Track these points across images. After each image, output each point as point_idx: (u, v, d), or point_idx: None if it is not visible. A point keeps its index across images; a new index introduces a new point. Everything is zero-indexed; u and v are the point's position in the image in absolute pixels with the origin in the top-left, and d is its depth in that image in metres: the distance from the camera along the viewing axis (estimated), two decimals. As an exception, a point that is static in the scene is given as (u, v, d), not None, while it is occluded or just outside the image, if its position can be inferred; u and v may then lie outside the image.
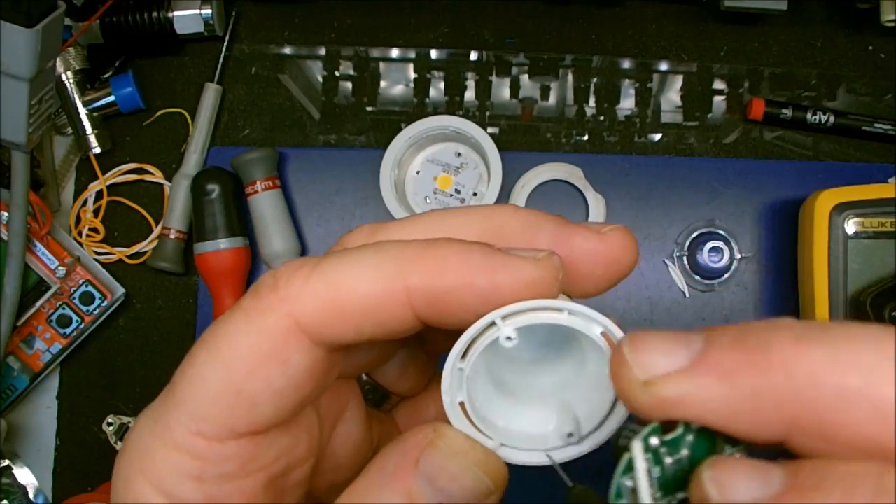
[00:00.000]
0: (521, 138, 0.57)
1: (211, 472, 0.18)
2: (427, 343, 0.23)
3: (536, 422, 0.19)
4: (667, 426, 0.15)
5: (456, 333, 0.18)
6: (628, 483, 0.15)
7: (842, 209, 0.48)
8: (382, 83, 0.58)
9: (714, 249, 0.54)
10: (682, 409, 0.14)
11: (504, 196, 0.55)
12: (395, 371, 0.23)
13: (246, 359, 0.17)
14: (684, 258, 0.55)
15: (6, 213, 0.49)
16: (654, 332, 0.15)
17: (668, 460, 0.15)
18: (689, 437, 0.15)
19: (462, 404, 0.18)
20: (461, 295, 0.17)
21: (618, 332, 0.17)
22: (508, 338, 0.17)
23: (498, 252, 0.17)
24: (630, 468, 0.15)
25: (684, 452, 0.15)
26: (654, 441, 0.15)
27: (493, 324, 0.17)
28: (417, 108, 0.57)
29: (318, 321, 0.17)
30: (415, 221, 0.20)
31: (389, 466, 0.17)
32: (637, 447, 0.15)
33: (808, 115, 0.55)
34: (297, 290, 0.18)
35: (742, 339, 0.14)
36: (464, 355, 0.18)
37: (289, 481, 0.20)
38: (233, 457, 0.18)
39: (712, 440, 0.15)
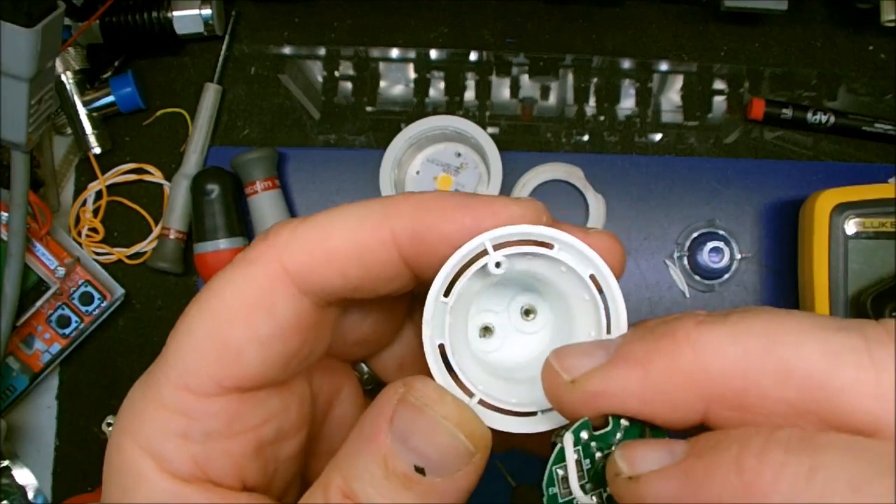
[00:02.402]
0: (521, 138, 0.57)
1: (197, 429, 0.18)
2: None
3: (517, 395, 0.18)
4: (598, 425, 0.16)
5: None
6: (560, 472, 0.16)
7: (842, 209, 0.48)
8: (382, 83, 0.58)
9: (714, 249, 0.54)
10: (606, 401, 0.15)
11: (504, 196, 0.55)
12: (394, 363, 0.23)
13: (232, 307, 0.18)
14: (684, 258, 0.55)
15: (6, 213, 0.49)
16: (578, 343, 0.17)
17: (598, 455, 0.16)
18: (619, 434, 0.16)
19: (442, 347, 0.17)
20: (443, 230, 0.18)
21: (609, 276, 0.17)
22: (497, 263, 0.17)
23: (478, 195, 0.18)
24: (561, 458, 0.16)
25: (613, 449, 0.16)
26: (584, 435, 0.16)
27: (480, 253, 0.17)
28: (417, 108, 0.57)
29: (305, 266, 0.18)
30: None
31: (365, 429, 0.17)
32: (567, 438, 0.16)
33: (809, 115, 0.55)
34: (286, 238, 0.18)
35: (652, 330, 0.15)
36: (447, 290, 0.17)
37: (280, 452, 0.19)
38: (219, 413, 0.18)
39: (640, 433, 0.16)
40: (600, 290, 0.17)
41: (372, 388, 0.23)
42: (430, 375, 0.24)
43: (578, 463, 0.16)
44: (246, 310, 0.18)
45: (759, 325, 0.14)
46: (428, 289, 0.18)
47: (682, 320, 0.15)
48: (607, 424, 0.16)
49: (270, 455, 0.19)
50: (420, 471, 0.16)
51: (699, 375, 0.14)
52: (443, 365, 0.17)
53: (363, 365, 0.23)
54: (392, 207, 0.18)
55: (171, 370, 0.18)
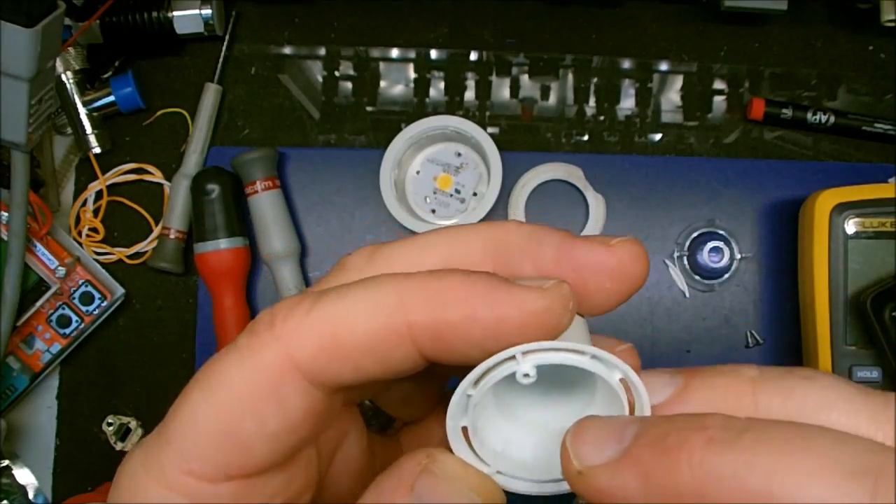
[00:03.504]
0: (521, 138, 0.57)
1: None
2: (433, 369, 0.23)
3: (536, 451, 0.18)
4: None
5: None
6: None
7: (842, 209, 0.48)
8: (382, 83, 0.58)
9: (714, 249, 0.54)
10: (607, 498, 0.15)
11: (504, 196, 0.55)
12: (398, 397, 0.22)
13: (240, 398, 0.17)
14: (684, 258, 0.55)
15: (6, 213, 0.49)
16: (596, 422, 0.16)
17: None
18: None
19: (465, 428, 0.18)
20: (465, 328, 0.16)
21: (636, 380, 0.17)
22: (526, 374, 0.16)
23: (503, 282, 0.17)
24: None
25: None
26: None
27: (511, 356, 0.17)
28: (417, 108, 0.57)
29: (315, 360, 0.17)
30: (415, 241, 0.19)
31: (384, 492, 0.17)
32: None
33: (808, 115, 0.55)
34: (294, 327, 0.17)
35: (664, 435, 0.15)
36: (476, 382, 0.17)
37: None
38: (225, 496, 0.17)
39: None
40: (626, 386, 0.17)
41: (374, 423, 0.23)
42: (436, 408, 0.23)
43: None
44: (254, 402, 0.17)
45: (766, 460, 0.14)
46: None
47: (694, 432, 0.14)
48: None
49: None
50: None
51: (694, 500, 0.14)
52: (464, 442, 0.18)
53: (366, 400, 0.22)
54: (408, 295, 0.17)
55: (174, 452, 0.17)
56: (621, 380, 0.17)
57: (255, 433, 0.17)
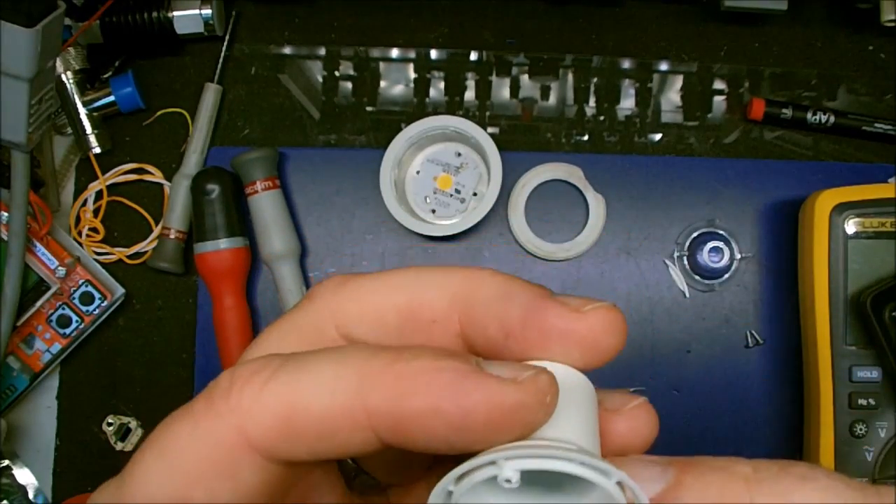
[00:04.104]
0: (521, 138, 0.57)
1: None
2: None
3: None
4: None
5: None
6: None
7: (842, 209, 0.48)
8: (382, 83, 0.58)
9: (714, 249, 0.54)
10: None
11: (504, 196, 0.55)
12: (382, 464, 0.21)
13: (190, 468, 0.16)
14: (684, 258, 0.55)
15: (6, 213, 0.49)
16: None
17: None
18: None
19: None
20: (427, 421, 0.15)
21: (634, 487, 0.16)
22: (508, 480, 0.15)
23: (473, 371, 0.15)
24: None
25: None
26: None
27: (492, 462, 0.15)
28: (417, 108, 0.57)
29: (268, 438, 0.16)
30: (383, 278, 0.18)
31: None
32: None
33: (808, 115, 0.55)
34: (249, 402, 0.16)
35: None
36: (458, 479, 0.16)
37: None
38: None
39: None
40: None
41: (359, 483, 0.22)
42: (417, 468, 0.22)
43: None
44: (205, 474, 0.16)
45: None
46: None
47: None
48: None
49: None
50: None
51: None
52: None
53: (349, 460, 0.21)
54: (370, 380, 0.15)
55: None
56: (619, 483, 0.15)
57: (207, 502, 0.16)
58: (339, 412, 0.16)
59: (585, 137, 0.57)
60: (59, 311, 0.53)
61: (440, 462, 0.22)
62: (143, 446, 0.17)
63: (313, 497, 0.20)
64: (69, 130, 0.56)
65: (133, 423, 0.54)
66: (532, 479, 0.17)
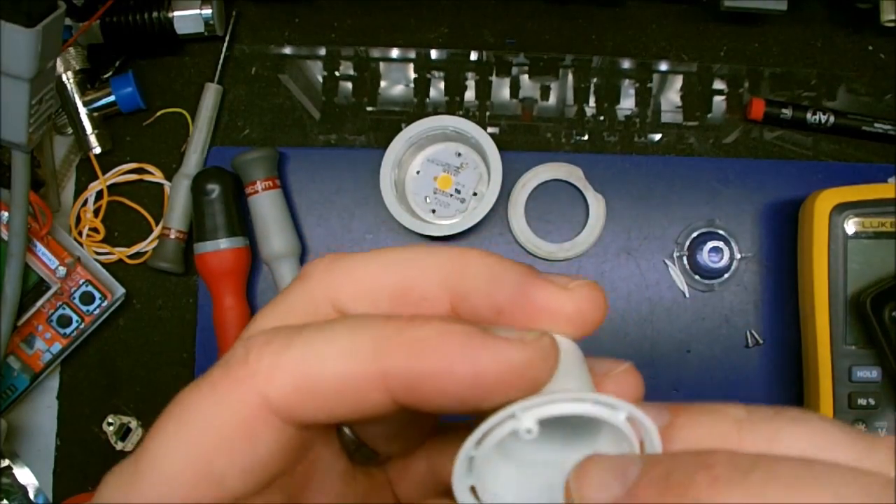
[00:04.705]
0: (521, 138, 0.57)
1: None
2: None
3: (546, 493, 0.18)
4: None
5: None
6: None
7: (842, 209, 0.48)
8: (382, 83, 0.58)
9: (714, 249, 0.54)
10: None
11: (504, 196, 0.55)
12: (383, 435, 0.22)
13: (212, 435, 0.17)
14: (684, 258, 0.55)
15: (6, 213, 0.49)
16: (600, 461, 0.16)
17: None
18: None
19: (472, 488, 0.17)
20: (441, 381, 0.16)
21: (642, 417, 0.16)
22: (528, 430, 0.16)
23: (481, 332, 0.16)
24: None
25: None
26: None
27: (511, 416, 0.16)
28: (417, 108, 0.57)
29: (288, 400, 0.17)
30: (375, 257, 0.19)
31: None
32: None
33: (808, 115, 0.55)
34: (268, 366, 0.17)
35: (669, 474, 0.14)
36: (478, 442, 0.17)
37: None
38: None
39: None
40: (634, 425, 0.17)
41: (358, 454, 0.22)
42: (423, 444, 0.22)
43: None
44: (227, 440, 0.17)
45: (775, 500, 0.13)
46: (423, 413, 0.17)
47: (700, 471, 0.14)
48: None
49: None
50: None
51: None
52: (474, 501, 0.17)
53: (348, 432, 0.22)
54: (384, 343, 0.16)
55: (147, 483, 0.17)
56: (628, 418, 0.16)
57: (227, 469, 0.17)
58: (356, 374, 0.16)
59: (585, 137, 0.57)
60: (60, 311, 0.53)
61: (439, 433, 0.22)
62: (157, 422, 0.17)
63: (318, 470, 0.20)
64: (69, 130, 0.56)
65: (133, 423, 0.54)
66: (546, 437, 0.18)
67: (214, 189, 0.52)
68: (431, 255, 0.18)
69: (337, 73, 0.58)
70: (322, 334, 0.17)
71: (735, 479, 0.14)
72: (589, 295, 0.18)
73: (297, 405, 0.17)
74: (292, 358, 0.17)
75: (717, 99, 0.57)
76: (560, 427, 0.18)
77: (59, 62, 0.53)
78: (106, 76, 0.57)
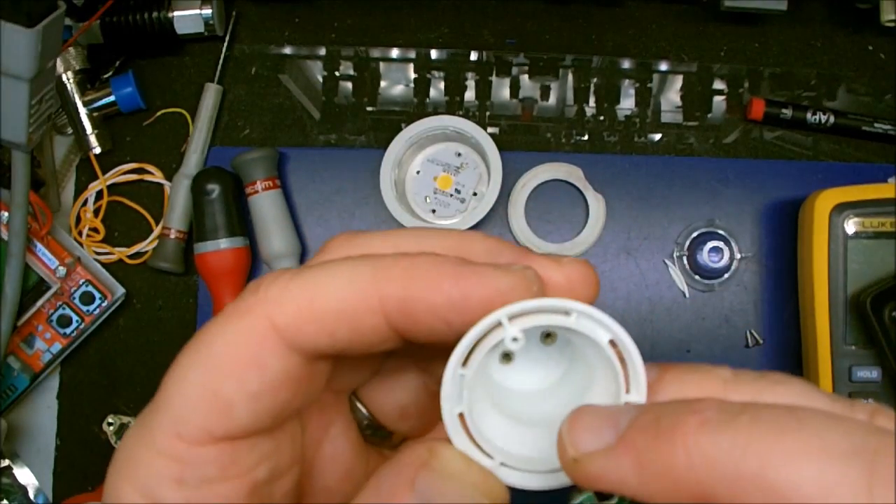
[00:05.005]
0: (521, 138, 0.57)
1: (191, 475, 0.18)
2: (432, 384, 0.22)
3: (538, 445, 0.18)
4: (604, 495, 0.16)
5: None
6: None
7: (842, 209, 0.48)
8: (382, 83, 0.58)
9: (714, 249, 0.54)
10: (604, 484, 0.15)
11: (504, 196, 0.55)
12: (395, 409, 0.23)
13: (223, 361, 0.18)
14: (684, 258, 0.55)
15: (6, 213, 0.49)
16: (592, 410, 0.16)
17: None
18: None
19: (461, 416, 0.18)
20: (431, 302, 0.17)
21: (628, 341, 0.17)
22: (514, 339, 0.17)
23: (469, 263, 0.18)
24: None
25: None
26: None
27: (497, 326, 0.17)
28: (417, 108, 0.57)
29: (293, 324, 0.18)
30: (390, 233, 0.20)
31: (384, 488, 0.17)
32: None
33: (808, 115, 0.55)
34: (276, 294, 0.18)
35: (657, 420, 0.15)
36: (465, 363, 0.17)
37: (275, 492, 0.19)
38: (212, 461, 0.18)
39: None
40: (618, 353, 0.17)
41: (371, 432, 0.23)
42: (437, 423, 0.23)
43: None
44: (236, 364, 0.18)
45: (760, 441, 0.14)
46: (418, 345, 0.18)
47: (688, 415, 0.15)
48: (614, 496, 0.16)
49: (265, 494, 0.19)
50: None
51: (689, 483, 0.14)
52: (463, 433, 0.18)
53: (363, 410, 0.22)
54: (382, 271, 0.18)
55: (164, 418, 0.18)
56: (612, 342, 0.17)
57: (237, 394, 0.18)
58: (355, 297, 0.18)
59: (585, 137, 0.57)
60: (60, 311, 0.53)
61: None
62: (177, 357, 0.19)
63: (328, 445, 0.21)
64: (69, 130, 0.56)
65: (133, 423, 0.54)
66: (539, 375, 0.19)
67: (214, 189, 0.52)
68: (438, 235, 0.20)
69: (337, 73, 0.58)
70: (327, 267, 0.18)
71: (724, 421, 0.14)
72: (579, 269, 0.19)
73: (301, 327, 0.18)
74: (299, 285, 0.18)
75: (717, 99, 0.57)
76: (550, 381, 0.19)
77: (59, 62, 0.53)
78: (106, 76, 0.57)
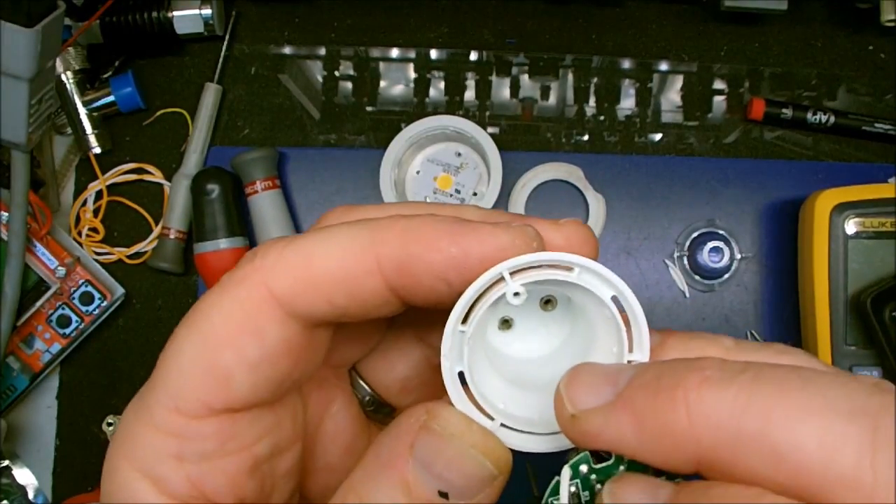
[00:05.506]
0: (521, 138, 0.57)
1: (190, 450, 0.17)
2: (433, 356, 0.22)
3: (539, 408, 0.18)
4: (602, 455, 0.16)
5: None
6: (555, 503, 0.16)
7: (842, 209, 0.48)
8: (382, 83, 0.58)
9: (714, 249, 0.54)
10: (602, 442, 0.15)
11: (504, 196, 0.55)
12: (396, 384, 0.22)
13: (220, 330, 0.17)
14: (684, 258, 0.55)
15: (6, 213, 0.49)
16: (591, 368, 0.16)
17: (598, 487, 0.16)
18: (621, 468, 0.16)
19: (461, 375, 0.17)
20: (429, 261, 0.17)
21: (631, 298, 0.17)
22: (516, 293, 0.16)
23: (468, 221, 0.17)
24: (557, 491, 0.16)
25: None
26: (584, 468, 0.16)
27: (498, 280, 0.16)
28: (417, 108, 0.57)
29: (290, 290, 0.17)
30: (387, 205, 0.20)
31: (383, 453, 0.17)
32: (565, 472, 0.16)
33: (808, 115, 0.55)
34: (272, 260, 0.18)
35: (658, 378, 0.15)
36: (465, 320, 0.17)
37: (276, 468, 0.19)
38: (212, 435, 0.18)
39: (643, 469, 0.15)
40: (621, 310, 0.17)
41: (373, 408, 0.23)
42: (440, 397, 0.23)
43: (576, 495, 0.16)
44: (234, 334, 0.17)
45: (762, 399, 0.13)
46: (419, 309, 0.18)
47: (689, 373, 0.14)
48: (611, 456, 0.16)
49: (267, 471, 0.19)
50: (443, 495, 0.16)
51: (689, 442, 0.14)
52: (463, 393, 0.17)
53: (364, 385, 0.22)
54: (379, 233, 0.17)
55: (162, 392, 0.18)
56: (614, 298, 0.17)
57: (235, 364, 0.17)
58: (352, 260, 0.17)
59: (585, 137, 0.57)
60: (59, 311, 0.53)
61: None
62: (173, 332, 0.18)
63: (330, 422, 0.21)
64: (69, 130, 0.56)
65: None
66: (539, 340, 0.19)
67: (214, 189, 0.52)
68: (435, 208, 0.20)
69: (337, 73, 0.58)
70: (323, 232, 0.18)
71: (725, 379, 0.14)
72: (579, 230, 0.19)
73: (298, 294, 0.17)
74: (295, 251, 0.18)
75: (717, 99, 0.57)
76: (551, 347, 0.19)
77: (58, 62, 0.53)
78: (106, 76, 0.57)
